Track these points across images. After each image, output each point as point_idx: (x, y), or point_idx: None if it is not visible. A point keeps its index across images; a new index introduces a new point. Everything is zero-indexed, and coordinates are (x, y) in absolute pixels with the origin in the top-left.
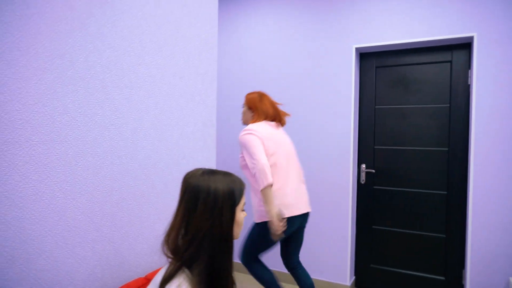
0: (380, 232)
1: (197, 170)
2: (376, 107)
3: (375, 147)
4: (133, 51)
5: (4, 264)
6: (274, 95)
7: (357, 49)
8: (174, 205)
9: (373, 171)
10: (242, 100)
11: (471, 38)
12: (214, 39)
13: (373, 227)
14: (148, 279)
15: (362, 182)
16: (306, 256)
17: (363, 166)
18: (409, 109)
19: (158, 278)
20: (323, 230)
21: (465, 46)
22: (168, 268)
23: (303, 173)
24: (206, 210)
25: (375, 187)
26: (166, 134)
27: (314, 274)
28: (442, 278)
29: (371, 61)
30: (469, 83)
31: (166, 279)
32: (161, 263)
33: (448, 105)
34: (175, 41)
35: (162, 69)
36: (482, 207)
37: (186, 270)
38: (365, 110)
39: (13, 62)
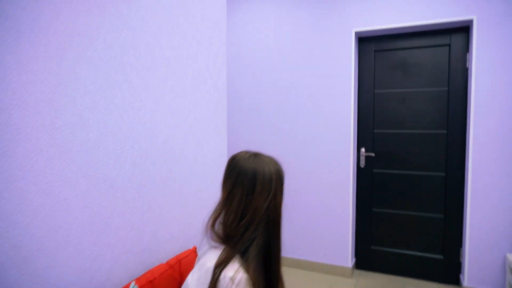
0: (380, 214)
1: (244, 153)
2: (375, 91)
3: (374, 131)
4: (149, 31)
5: (35, 253)
6: (274, 79)
7: (356, 33)
8: (190, 191)
9: (373, 154)
10: (243, 85)
11: (470, 21)
12: (223, 20)
13: (373, 209)
14: (170, 265)
15: (362, 166)
16: (309, 240)
17: (363, 150)
18: (408, 93)
19: (208, 263)
20: (325, 214)
21: (463, 29)
22: (222, 253)
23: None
24: (263, 192)
25: (374, 170)
26: (181, 119)
27: (317, 258)
28: (441, 257)
29: (369, 45)
30: (467, 66)
31: (221, 263)
32: (180, 249)
33: (447, 88)
34: (187, 22)
35: (176, 51)
36: (480, 187)
37: (238, 256)
38: (364, 95)
39: (35, 40)
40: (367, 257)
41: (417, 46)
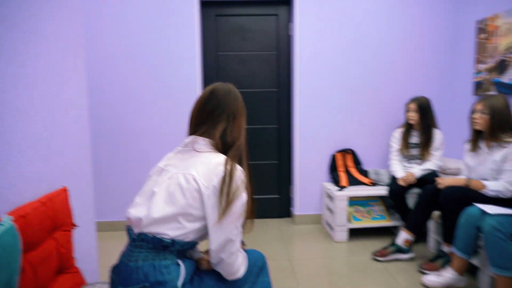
0: None
1: (221, 83)
2: (218, 53)
3: None
4: None
5: None
6: (120, 51)
7: None
8: (54, 128)
9: None
10: (89, 60)
11: None
12: None
13: None
14: (42, 203)
15: None
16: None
17: None
18: (245, 56)
19: (214, 159)
20: None
21: (287, 2)
22: (228, 156)
23: None
24: (243, 115)
25: None
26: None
27: None
28: (278, 196)
29: (211, 10)
30: (290, 34)
31: (229, 161)
32: (48, 189)
33: (276, 52)
34: None
35: None
36: (303, 135)
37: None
38: (208, 57)
39: None
40: None
41: (252, 14)
